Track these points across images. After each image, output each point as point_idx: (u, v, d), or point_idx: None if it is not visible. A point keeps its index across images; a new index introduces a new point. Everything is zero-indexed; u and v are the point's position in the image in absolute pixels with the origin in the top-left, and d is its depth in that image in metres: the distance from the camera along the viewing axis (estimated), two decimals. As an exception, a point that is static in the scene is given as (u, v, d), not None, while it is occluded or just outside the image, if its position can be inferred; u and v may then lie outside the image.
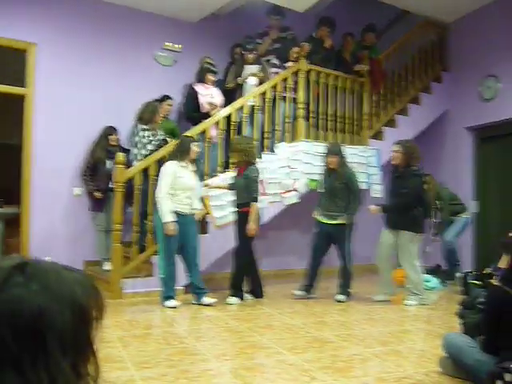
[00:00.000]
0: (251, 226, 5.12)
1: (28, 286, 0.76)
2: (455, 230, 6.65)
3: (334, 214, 5.42)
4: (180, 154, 5.03)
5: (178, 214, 4.90)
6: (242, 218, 5.19)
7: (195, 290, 5.10)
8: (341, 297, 5.40)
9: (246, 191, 5.19)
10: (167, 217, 4.82)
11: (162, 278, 4.96)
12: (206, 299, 5.02)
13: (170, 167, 4.95)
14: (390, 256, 5.46)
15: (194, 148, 5.11)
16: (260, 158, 6.09)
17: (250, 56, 6.35)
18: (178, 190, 4.93)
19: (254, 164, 5.32)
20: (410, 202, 5.27)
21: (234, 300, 5.20)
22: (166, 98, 6.44)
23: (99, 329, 0.85)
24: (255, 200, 5.20)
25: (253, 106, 6.16)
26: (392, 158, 5.47)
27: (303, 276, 5.60)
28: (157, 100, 6.23)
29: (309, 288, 5.53)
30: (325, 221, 5.45)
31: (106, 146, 6.01)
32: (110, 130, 6.08)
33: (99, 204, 6.00)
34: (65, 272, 0.82)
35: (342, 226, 5.39)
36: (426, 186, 6.03)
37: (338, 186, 5.44)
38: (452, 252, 6.62)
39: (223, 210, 5.67)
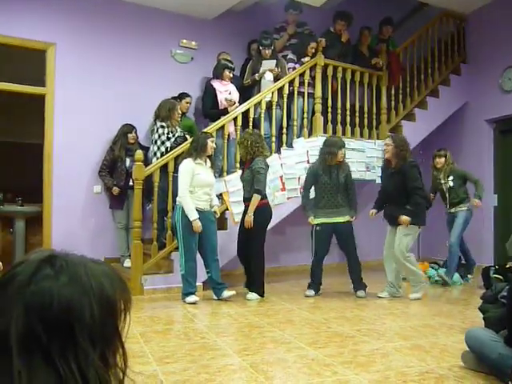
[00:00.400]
0: (247, 218, 5.13)
1: (57, 279, 0.78)
2: (458, 230, 6.14)
3: (340, 210, 5.38)
4: (196, 150, 5.02)
5: (197, 210, 4.91)
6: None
7: (215, 285, 5.11)
8: (361, 292, 5.39)
9: (252, 185, 5.20)
10: (193, 214, 4.85)
11: (182, 274, 4.98)
12: (226, 293, 5.06)
13: (188, 165, 4.96)
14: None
15: (210, 144, 5.11)
16: (279, 153, 6.10)
17: (267, 52, 6.34)
18: (197, 187, 4.95)
19: (260, 158, 5.27)
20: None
21: (253, 296, 5.23)
22: (184, 95, 6.46)
23: (126, 320, 0.86)
24: (257, 192, 5.15)
25: (270, 101, 6.16)
26: (384, 151, 5.42)
27: (310, 275, 5.53)
28: (174, 97, 6.25)
29: (319, 286, 5.52)
30: (329, 221, 5.35)
31: (124, 144, 6.05)
32: (129, 128, 6.11)
33: (119, 201, 6.06)
34: (92, 265, 0.84)
35: (349, 221, 5.39)
36: (439, 161, 6.25)
37: (342, 180, 5.40)
38: (454, 255, 6.16)
39: (241, 205, 5.68)
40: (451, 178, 6.24)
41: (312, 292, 5.43)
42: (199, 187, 4.97)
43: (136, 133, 6.19)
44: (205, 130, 5.79)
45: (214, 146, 5.25)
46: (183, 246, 4.93)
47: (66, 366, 0.74)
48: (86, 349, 0.76)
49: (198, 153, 5.01)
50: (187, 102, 6.47)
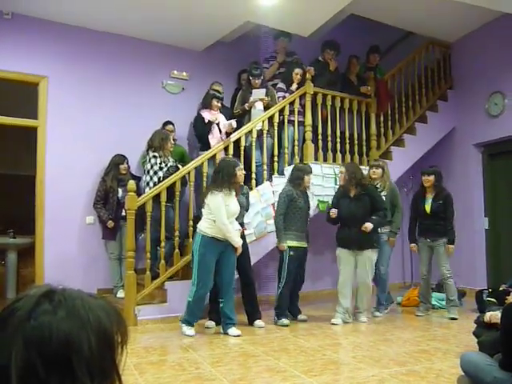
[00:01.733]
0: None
1: (55, 314, 0.79)
2: (387, 256, 5.99)
3: (304, 235, 5.55)
4: (224, 181, 4.86)
5: (218, 239, 4.79)
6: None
7: (225, 318, 4.94)
8: (302, 316, 5.61)
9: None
10: (238, 240, 4.89)
11: (188, 301, 4.82)
12: (233, 330, 4.86)
13: (219, 198, 4.79)
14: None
15: (239, 173, 5.01)
16: (271, 180, 6.15)
17: (257, 81, 6.43)
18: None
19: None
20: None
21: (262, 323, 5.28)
22: (166, 123, 6.52)
23: (123, 353, 0.87)
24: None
25: (261, 129, 6.23)
26: (340, 179, 5.60)
27: (281, 303, 5.45)
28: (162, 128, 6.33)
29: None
30: (301, 245, 5.46)
31: (116, 175, 6.08)
32: (120, 159, 6.14)
33: (111, 232, 6.08)
34: (90, 299, 0.86)
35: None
36: (376, 174, 5.94)
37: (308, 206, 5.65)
38: (385, 281, 6.04)
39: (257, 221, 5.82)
40: (384, 193, 5.91)
41: (287, 321, 5.32)
42: (228, 218, 4.85)
43: (127, 163, 6.21)
44: (197, 159, 5.85)
45: (244, 173, 5.19)
46: (197, 275, 4.77)
47: None
48: (84, 382, 0.77)
49: (225, 182, 4.85)
50: (169, 130, 6.40)
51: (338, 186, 5.92)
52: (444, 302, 6.03)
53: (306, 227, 5.57)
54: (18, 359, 0.75)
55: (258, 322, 5.25)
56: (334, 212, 5.44)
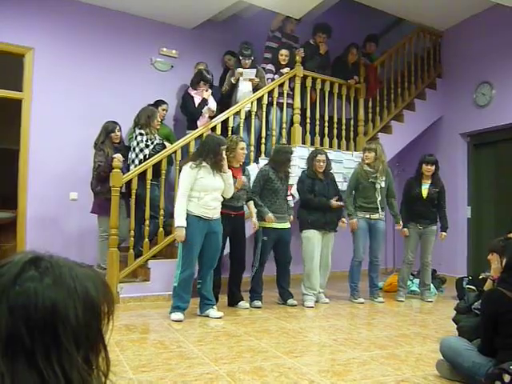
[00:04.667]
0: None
1: (42, 280, 0.77)
2: (381, 242, 6.14)
3: (285, 216, 5.50)
4: (202, 155, 4.70)
5: (203, 218, 4.63)
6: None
7: (202, 300, 4.84)
8: (292, 301, 5.48)
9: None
10: (179, 220, 4.57)
11: (174, 286, 4.66)
12: (214, 312, 4.76)
13: (188, 170, 4.63)
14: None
15: (222, 151, 4.77)
16: (258, 162, 6.14)
17: (247, 62, 6.38)
18: (202, 191, 4.62)
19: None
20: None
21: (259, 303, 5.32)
22: (160, 102, 6.44)
23: (109, 324, 0.86)
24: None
25: (249, 111, 6.19)
26: (321, 166, 5.58)
27: (255, 285, 5.46)
28: (151, 105, 6.21)
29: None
30: (278, 226, 5.38)
31: (111, 144, 5.65)
32: (113, 126, 5.71)
33: (106, 207, 5.43)
34: (77, 267, 0.84)
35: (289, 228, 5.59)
36: (369, 158, 5.82)
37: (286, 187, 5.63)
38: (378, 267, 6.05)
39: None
40: (384, 178, 5.86)
41: (260, 303, 5.34)
42: (205, 192, 4.63)
43: (119, 130, 5.77)
44: (184, 138, 5.80)
45: (245, 152, 5.19)
46: (182, 256, 4.62)
47: (49, 368, 0.74)
48: (69, 351, 0.76)
49: (205, 157, 4.68)
50: (163, 109, 6.41)
51: (302, 170, 5.82)
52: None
53: (285, 207, 5.50)
54: (2, 326, 0.73)
55: (242, 303, 5.27)
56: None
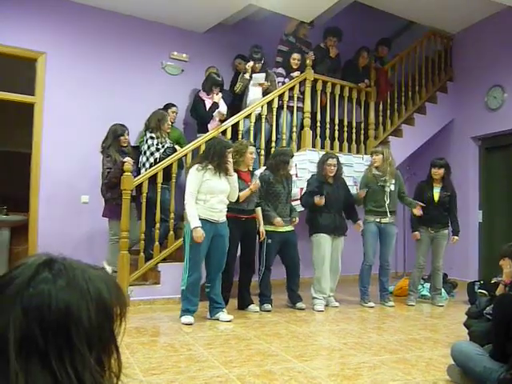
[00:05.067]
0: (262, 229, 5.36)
1: (55, 282, 0.78)
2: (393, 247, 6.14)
3: (288, 219, 5.48)
4: (207, 158, 4.70)
5: (210, 221, 4.63)
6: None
7: (211, 303, 4.84)
8: (301, 304, 5.46)
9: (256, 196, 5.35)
10: (194, 222, 4.54)
11: (182, 289, 4.66)
12: (223, 315, 4.75)
13: (195, 172, 4.66)
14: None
15: (228, 155, 4.75)
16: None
17: (257, 65, 6.40)
18: (208, 194, 4.62)
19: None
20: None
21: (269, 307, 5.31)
22: (170, 105, 6.46)
23: (122, 326, 0.87)
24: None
25: (259, 114, 6.21)
26: (332, 170, 5.56)
27: (263, 289, 5.43)
28: (161, 109, 6.24)
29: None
30: (281, 229, 5.38)
31: (118, 148, 5.64)
32: (121, 130, 5.67)
33: (117, 211, 5.44)
34: (90, 269, 0.85)
35: (294, 230, 5.59)
36: (377, 160, 5.82)
37: (290, 191, 5.63)
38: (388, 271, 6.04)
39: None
40: (393, 181, 5.84)
41: (270, 306, 5.33)
42: (211, 194, 4.63)
43: (128, 134, 5.76)
44: (194, 141, 5.82)
45: (254, 157, 5.16)
46: (189, 259, 4.61)
47: (62, 369, 0.75)
48: (82, 352, 0.77)
49: (211, 161, 4.67)
50: (173, 112, 6.43)
51: (312, 174, 5.82)
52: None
53: (288, 211, 5.48)
54: (17, 327, 0.74)
55: (252, 307, 5.26)
56: (320, 199, 5.42)
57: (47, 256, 0.84)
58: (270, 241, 5.32)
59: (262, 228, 5.31)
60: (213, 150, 4.72)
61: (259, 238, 5.32)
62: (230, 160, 4.78)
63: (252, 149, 5.25)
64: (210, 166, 4.65)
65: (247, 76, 6.40)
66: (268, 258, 5.34)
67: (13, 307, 0.76)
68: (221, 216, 4.73)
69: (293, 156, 5.53)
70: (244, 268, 5.36)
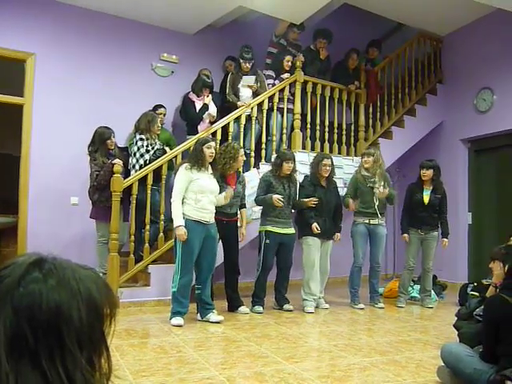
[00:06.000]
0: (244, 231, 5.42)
1: (46, 282, 0.78)
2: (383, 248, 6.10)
3: (288, 221, 5.50)
4: (193, 158, 4.72)
5: (201, 222, 4.63)
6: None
7: (202, 304, 4.81)
8: (288, 306, 5.48)
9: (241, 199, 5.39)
10: (177, 221, 4.55)
11: (173, 291, 4.62)
12: (214, 316, 4.75)
13: (183, 172, 4.66)
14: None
15: (207, 150, 4.70)
16: (258, 168, 6.14)
17: (248, 65, 6.40)
18: (198, 193, 4.61)
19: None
20: None
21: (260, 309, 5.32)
22: (158, 106, 6.44)
23: (112, 326, 0.86)
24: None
25: (250, 115, 6.20)
26: (327, 170, 5.57)
27: (258, 290, 5.44)
28: (150, 110, 6.21)
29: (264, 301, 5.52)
30: (279, 231, 5.37)
31: (105, 152, 5.60)
32: (107, 133, 5.60)
33: (105, 213, 5.44)
34: (80, 269, 0.84)
35: (294, 234, 5.59)
36: (368, 162, 5.80)
37: (292, 193, 5.56)
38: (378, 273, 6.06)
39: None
40: (382, 183, 5.80)
41: (261, 308, 5.33)
42: (202, 194, 4.61)
43: (114, 136, 5.70)
44: (184, 143, 5.81)
45: (212, 151, 4.78)
46: (180, 261, 4.57)
47: (52, 369, 0.74)
48: (73, 352, 0.76)
49: (195, 161, 4.68)
50: (160, 113, 6.34)
51: (305, 176, 5.81)
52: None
53: (288, 213, 5.48)
54: (7, 327, 0.74)
55: (242, 309, 5.25)
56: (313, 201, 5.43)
57: (37, 255, 0.83)
58: (268, 241, 5.31)
59: (244, 230, 5.34)
60: (193, 150, 4.80)
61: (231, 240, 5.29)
62: (207, 154, 4.70)
63: (242, 151, 5.32)
64: (196, 166, 4.67)
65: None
66: (265, 258, 5.34)
67: (3, 306, 0.75)
68: (211, 217, 4.74)
69: (291, 158, 5.45)
70: (228, 271, 5.34)
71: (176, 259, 4.65)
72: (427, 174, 5.85)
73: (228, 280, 5.35)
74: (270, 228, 5.33)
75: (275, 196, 5.24)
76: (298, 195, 5.61)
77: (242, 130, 6.14)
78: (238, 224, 5.42)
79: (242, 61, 6.41)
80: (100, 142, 5.56)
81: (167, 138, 6.37)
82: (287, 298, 5.53)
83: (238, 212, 5.40)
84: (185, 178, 4.62)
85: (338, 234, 5.69)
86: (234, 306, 5.29)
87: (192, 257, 4.61)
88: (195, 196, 4.61)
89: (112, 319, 0.85)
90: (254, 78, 6.44)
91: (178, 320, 4.56)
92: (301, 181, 5.74)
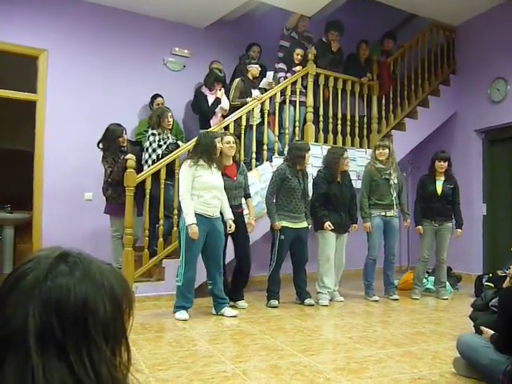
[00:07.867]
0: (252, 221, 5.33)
1: (72, 275, 0.80)
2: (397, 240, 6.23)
3: (302, 216, 5.44)
4: (198, 152, 4.72)
5: (205, 217, 4.63)
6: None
7: (216, 299, 4.82)
8: (309, 300, 5.41)
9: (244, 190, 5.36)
10: (189, 219, 4.52)
11: (178, 286, 4.63)
12: (227, 311, 4.76)
13: (187, 168, 4.64)
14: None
15: (218, 144, 4.77)
16: (271, 161, 6.13)
17: (257, 70, 6.34)
18: (201, 190, 4.61)
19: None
20: None
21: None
22: (155, 96, 6.43)
23: (130, 319, 0.88)
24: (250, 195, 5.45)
25: (262, 109, 6.20)
26: (346, 165, 5.59)
27: (272, 284, 5.40)
28: (151, 102, 6.25)
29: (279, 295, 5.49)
30: (294, 226, 5.33)
31: (117, 149, 5.60)
32: (119, 131, 5.58)
33: (119, 208, 5.44)
34: (101, 264, 0.86)
35: (308, 228, 5.53)
36: (383, 154, 5.80)
37: (306, 187, 5.50)
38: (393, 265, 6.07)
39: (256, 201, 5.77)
40: (396, 174, 5.86)
41: (276, 302, 5.30)
42: (204, 190, 4.62)
43: (125, 133, 5.70)
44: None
45: (221, 146, 4.87)
46: (184, 256, 4.58)
47: (79, 361, 0.76)
48: (99, 343, 0.78)
49: (201, 154, 4.68)
50: (158, 104, 6.32)
51: (318, 170, 5.76)
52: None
53: (302, 207, 5.41)
54: (37, 320, 0.75)
55: (241, 303, 5.23)
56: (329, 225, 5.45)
57: (61, 249, 0.85)
58: (283, 237, 5.27)
59: (252, 220, 5.27)
60: (201, 144, 4.75)
61: (240, 235, 5.22)
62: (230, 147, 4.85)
63: (228, 138, 5.11)
64: (201, 162, 4.66)
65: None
66: (280, 253, 5.30)
67: (31, 300, 0.76)
68: (215, 211, 4.72)
69: (309, 149, 5.44)
70: (240, 263, 5.29)
71: (180, 253, 4.67)
72: (444, 165, 5.83)
73: (237, 273, 5.31)
74: (285, 223, 5.28)
75: (276, 223, 5.25)
76: (312, 192, 5.57)
77: (254, 123, 6.13)
78: (245, 213, 5.36)
79: (247, 60, 6.40)
80: (112, 139, 5.55)
81: (176, 131, 6.36)
82: (308, 292, 5.48)
83: (244, 203, 5.36)
84: (189, 175, 4.62)
85: (355, 224, 5.69)
86: (234, 300, 5.23)
87: (195, 250, 4.61)
88: (198, 192, 4.62)
89: (130, 314, 0.87)
90: (272, 73, 6.44)
91: (183, 314, 4.58)
92: (314, 175, 5.72)
